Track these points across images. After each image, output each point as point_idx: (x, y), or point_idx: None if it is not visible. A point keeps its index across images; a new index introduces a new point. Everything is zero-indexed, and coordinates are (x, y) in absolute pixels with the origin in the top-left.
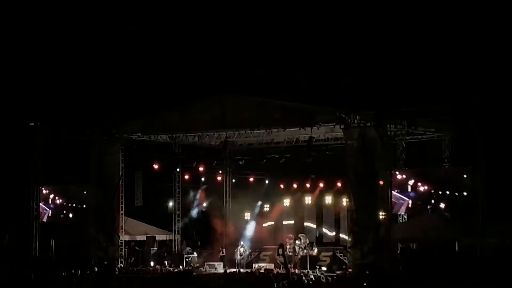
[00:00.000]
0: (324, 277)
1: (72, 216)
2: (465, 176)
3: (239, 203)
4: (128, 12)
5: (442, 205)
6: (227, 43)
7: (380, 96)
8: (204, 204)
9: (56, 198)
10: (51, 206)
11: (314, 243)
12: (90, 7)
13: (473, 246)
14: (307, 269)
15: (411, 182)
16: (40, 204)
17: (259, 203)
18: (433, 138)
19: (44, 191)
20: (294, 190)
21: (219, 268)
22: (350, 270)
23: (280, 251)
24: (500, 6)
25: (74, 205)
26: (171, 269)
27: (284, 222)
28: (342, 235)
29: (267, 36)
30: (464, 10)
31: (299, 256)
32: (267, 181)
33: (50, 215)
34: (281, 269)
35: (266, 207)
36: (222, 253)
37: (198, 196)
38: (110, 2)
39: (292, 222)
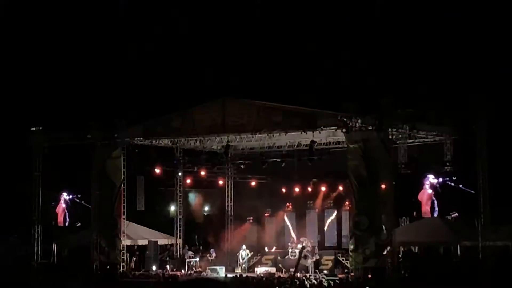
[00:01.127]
0: (326, 281)
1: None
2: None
3: (240, 207)
4: (129, 15)
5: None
6: (228, 47)
7: (382, 99)
8: (206, 208)
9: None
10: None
11: (316, 247)
12: (91, 11)
13: (475, 250)
14: (309, 273)
15: None
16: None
17: (261, 207)
18: (434, 142)
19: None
20: (296, 194)
21: (221, 272)
22: (352, 274)
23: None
24: (500, 8)
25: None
26: (177, 273)
27: (286, 226)
28: (344, 239)
29: (268, 40)
30: (464, 13)
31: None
32: (268, 185)
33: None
34: (284, 272)
35: (268, 211)
36: (210, 256)
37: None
38: (111, 5)
39: (294, 226)
